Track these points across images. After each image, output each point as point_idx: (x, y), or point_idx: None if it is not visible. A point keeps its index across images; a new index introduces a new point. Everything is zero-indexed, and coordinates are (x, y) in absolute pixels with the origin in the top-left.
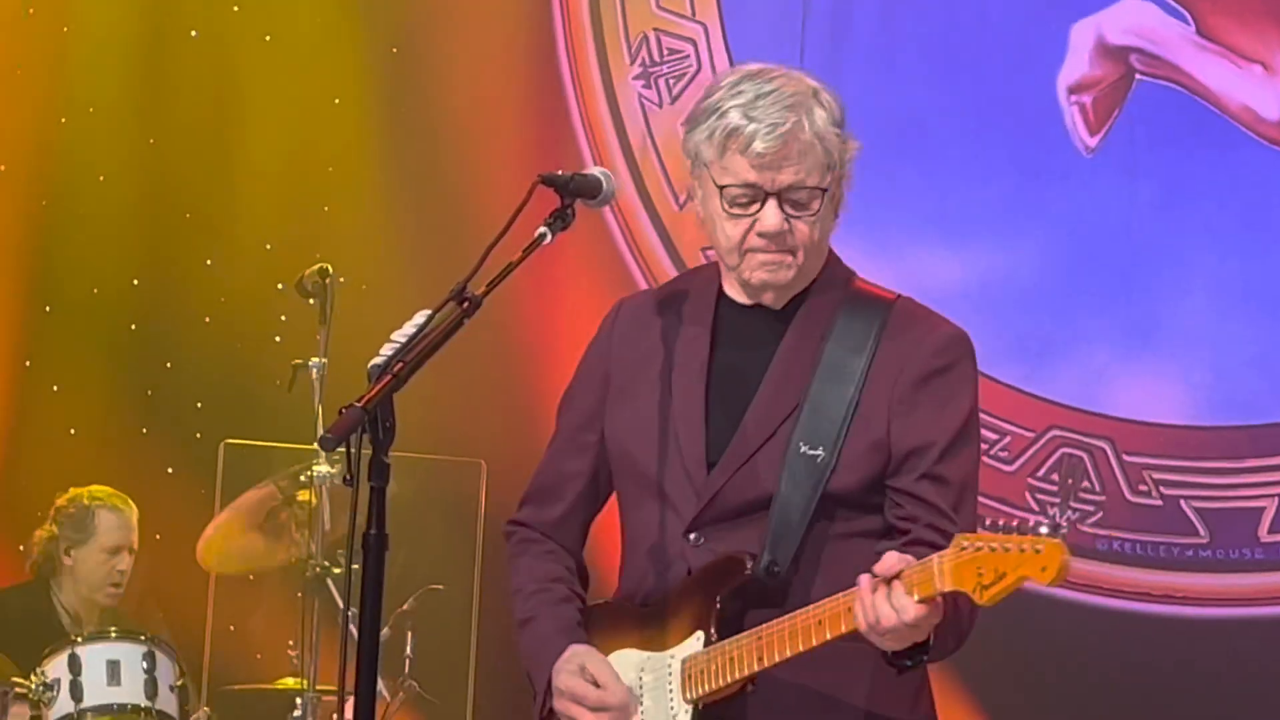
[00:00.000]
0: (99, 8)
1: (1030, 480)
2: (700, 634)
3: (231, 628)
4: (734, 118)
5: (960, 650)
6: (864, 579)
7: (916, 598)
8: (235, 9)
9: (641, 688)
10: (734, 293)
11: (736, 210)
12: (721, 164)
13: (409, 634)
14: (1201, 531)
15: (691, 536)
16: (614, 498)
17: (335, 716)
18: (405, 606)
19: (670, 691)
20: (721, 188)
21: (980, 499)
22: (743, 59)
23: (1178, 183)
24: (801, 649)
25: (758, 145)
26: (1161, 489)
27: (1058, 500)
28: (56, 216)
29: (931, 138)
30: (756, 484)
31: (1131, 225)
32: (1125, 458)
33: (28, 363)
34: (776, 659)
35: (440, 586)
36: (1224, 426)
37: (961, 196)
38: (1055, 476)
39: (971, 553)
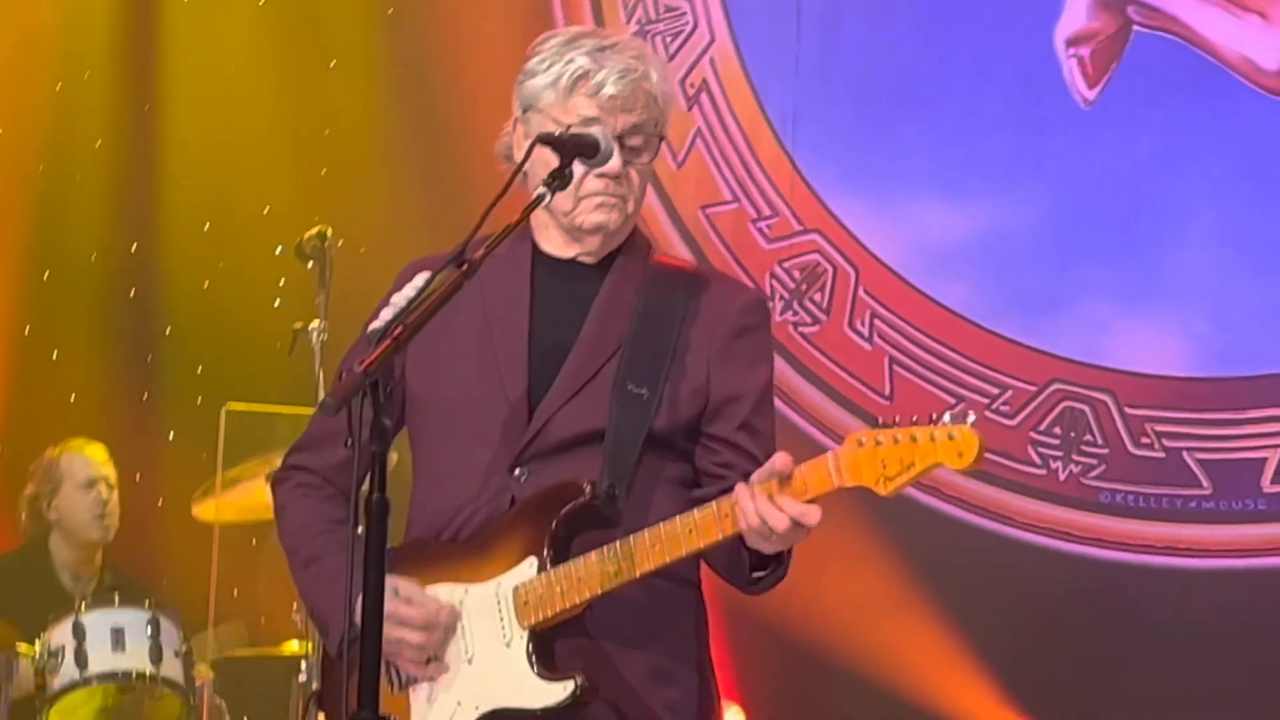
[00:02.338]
0: None
1: (1032, 434)
2: (532, 559)
3: (235, 592)
4: (583, 62)
5: (963, 603)
6: (742, 486)
7: (809, 497)
8: None
9: (463, 619)
10: (551, 246)
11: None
12: (565, 106)
13: None
14: (1204, 483)
15: (516, 471)
16: None
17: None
18: None
19: (502, 619)
20: (536, 111)
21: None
22: (740, 18)
23: (1177, 135)
24: (669, 559)
25: (610, 88)
26: (1164, 441)
27: (1060, 454)
28: (54, 183)
29: (930, 93)
30: (586, 418)
31: (1131, 177)
32: (1127, 410)
33: (27, 329)
34: (639, 573)
35: None
36: (1226, 378)
37: (960, 151)
38: (1057, 430)
39: (872, 446)
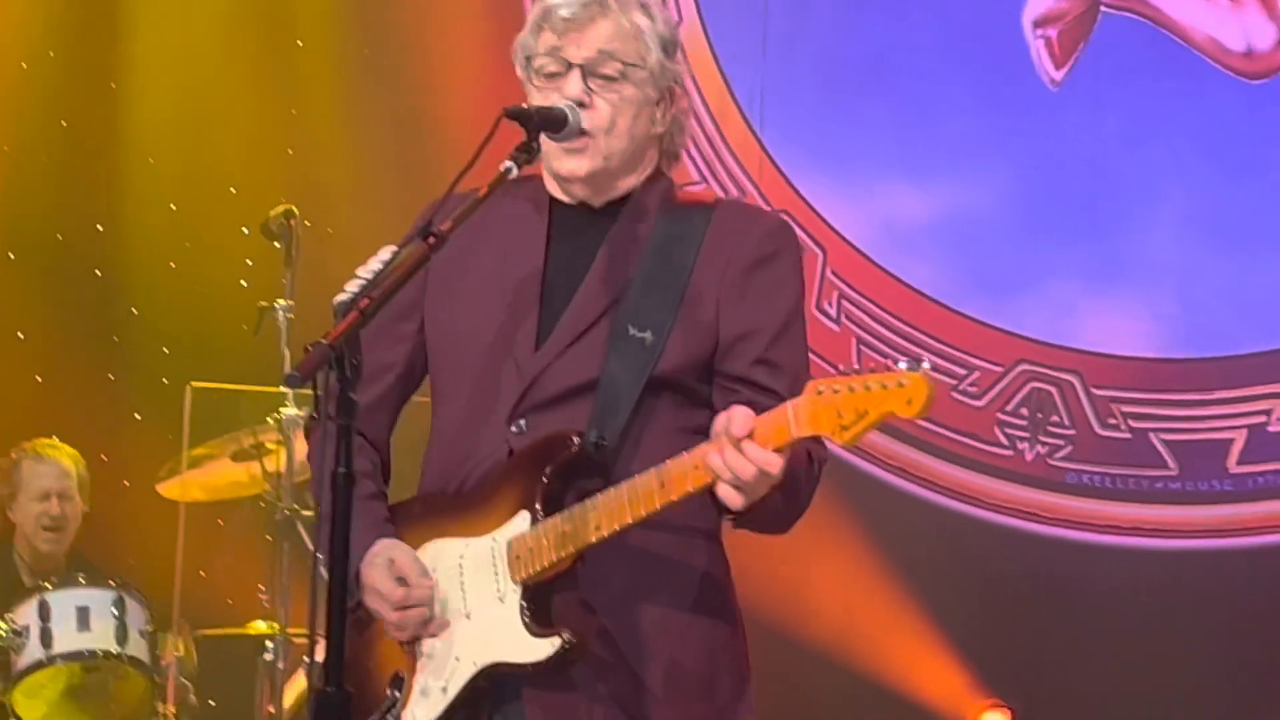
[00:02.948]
0: None
1: (999, 415)
2: (525, 513)
3: (201, 573)
4: (549, 1)
5: (929, 583)
6: (707, 443)
7: (772, 447)
8: None
9: (463, 575)
10: (556, 192)
11: (541, 82)
12: (536, 44)
13: None
14: (1170, 464)
15: (515, 424)
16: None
17: (306, 658)
18: None
19: (496, 574)
20: (528, 59)
21: (949, 434)
22: None
23: (1144, 115)
24: (644, 514)
25: (562, 12)
26: (1130, 422)
27: (1027, 435)
28: (19, 163)
29: (897, 73)
30: (581, 368)
31: (1098, 158)
32: (1094, 391)
33: None
34: (616, 527)
35: None
36: (1192, 359)
37: (928, 131)
38: (1024, 411)
39: (829, 395)
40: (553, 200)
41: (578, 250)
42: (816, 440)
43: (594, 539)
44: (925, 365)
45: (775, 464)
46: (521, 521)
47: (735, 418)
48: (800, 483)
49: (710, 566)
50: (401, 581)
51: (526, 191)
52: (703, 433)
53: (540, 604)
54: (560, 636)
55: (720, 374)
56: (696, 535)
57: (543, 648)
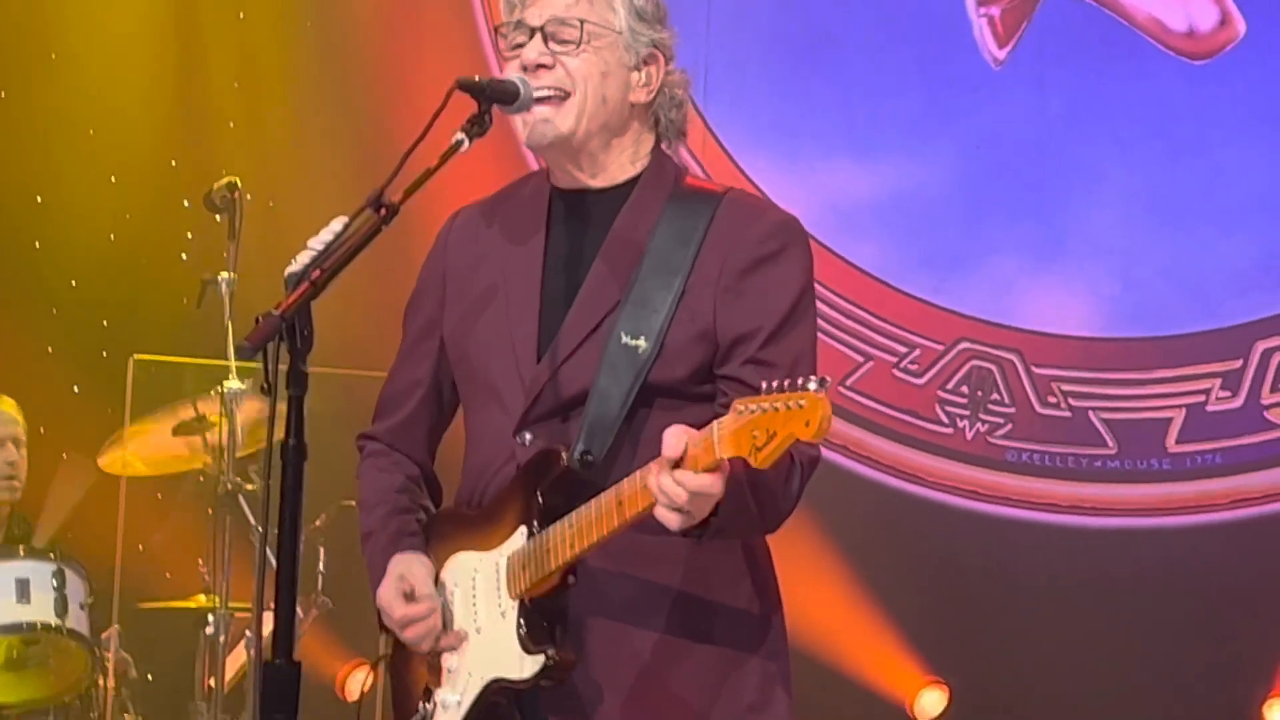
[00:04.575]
0: None
1: (939, 393)
2: (523, 529)
3: (141, 547)
4: None
5: (869, 560)
6: (653, 461)
7: (701, 467)
8: None
9: (475, 589)
10: (556, 179)
11: (510, 53)
12: (505, 16)
13: (321, 550)
14: (1110, 442)
15: (520, 436)
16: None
17: (248, 632)
18: (318, 523)
19: (499, 590)
20: (497, 28)
21: (890, 411)
22: None
23: (1086, 95)
24: (607, 532)
25: None
26: (1070, 400)
27: (967, 413)
28: None
29: (841, 51)
30: (577, 378)
31: (1040, 138)
32: (1034, 369)
33: None
34: (587, 544)
35: (352, 502)
36: (1132, 338)
37: (871, 110)
38: (965, 389)
39: (748, 416)
40: (554, 189)
41: (576, 245)
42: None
43: (570, 556)
44: (821, 383)
45: (706, 485)
46: (519, 538)
47: (667, 438)
48: (769, 489)
49: (737, 574)
50: (410, 596)
51: (528, 188)
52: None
53: (535, 620)
54: (545, 654)
55: (717, 375)
56: (688, 545)
57: (530, 664)
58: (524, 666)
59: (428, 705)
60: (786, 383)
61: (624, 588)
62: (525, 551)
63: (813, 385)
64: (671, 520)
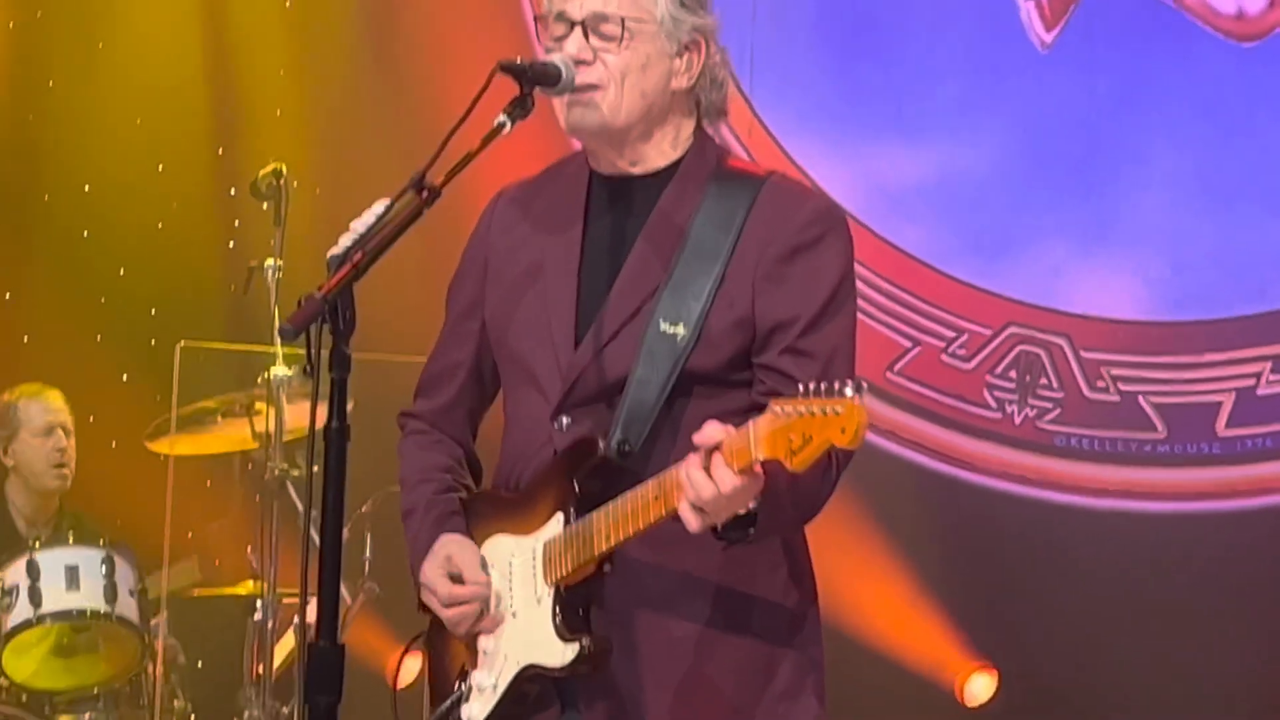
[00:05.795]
0: None
1: (988, 378)
2: (560, 516)
3: (190, 534)
4: None
5: (917, 546)
6: (691, 454)
7: (736, 468)
8: None
9: (512, 574)
10: (597, 164)
11: (550, 44)
12: (546, 7)
13: (367, 536)
14: (1159, 427)
15: (557, 421)
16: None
17: (297, 618)
18: (364, 509)
19: (535, 576)
20: (538, 18)
21: (938, 396)
22: None
23: (1134, 78)
24: (644, 525)
25: None
26: (1119, 385)
27: (1016, 397)
28: (6, 124)
29: (887, 35)
30: (616, 364)
31: (1088, 121)
32: (1083, 354)
33: None
34: (623, 536)
35: (397, 489)
36: (1181, 321)
37: (918, 94)
38: (1013, 374)
39: (784, 418)
40: (593, 174)
41: (617, 228)
42: None
43: (606, 547)
44: (856, 390)
45: (729, 483)
46: (556, 524)
47: (704, 429)
48: (805, 492)
49: (774, 564)
50: (456, 578)
51: (570, 170)
52: (738, 415)
53: (571, 608)
54: (579, 642)
55: (755, 364)
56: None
57: (566, 652)
58: (559, 654)
59: (464, 685)
60: (824, 386)
61: (662, 577)
62: (562, 539)
63: (849, 391)
64: (691, 520)
